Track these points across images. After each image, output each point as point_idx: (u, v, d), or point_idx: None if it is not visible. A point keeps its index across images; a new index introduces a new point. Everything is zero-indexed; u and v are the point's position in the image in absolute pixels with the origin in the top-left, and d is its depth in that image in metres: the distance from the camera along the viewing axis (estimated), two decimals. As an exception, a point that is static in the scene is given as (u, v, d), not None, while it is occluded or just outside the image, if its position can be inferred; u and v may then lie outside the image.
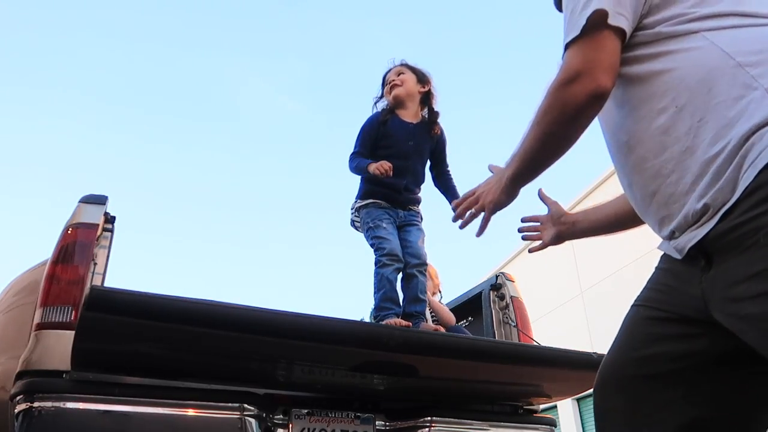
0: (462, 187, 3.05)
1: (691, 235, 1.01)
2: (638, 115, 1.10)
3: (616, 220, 1.53)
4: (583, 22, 1.08)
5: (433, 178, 3.07)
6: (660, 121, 1.05)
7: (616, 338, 1.19)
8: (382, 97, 3.08)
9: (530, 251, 1.78)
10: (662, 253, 1.16)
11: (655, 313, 1.13)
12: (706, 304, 1.00)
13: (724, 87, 0.98)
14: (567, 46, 1.13)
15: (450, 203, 2.96)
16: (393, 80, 3.01)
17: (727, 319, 0.96)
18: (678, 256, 1.06)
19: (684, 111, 1.02)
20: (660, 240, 1.16)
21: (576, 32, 1.10)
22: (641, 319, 1.15)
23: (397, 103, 2.99)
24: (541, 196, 1.71)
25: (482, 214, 1.43)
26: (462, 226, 1.52)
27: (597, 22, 1.08)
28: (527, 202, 1.76)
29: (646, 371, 1.09)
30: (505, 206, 1.38)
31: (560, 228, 1.64)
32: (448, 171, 3.09)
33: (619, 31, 1.09)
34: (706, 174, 0.97)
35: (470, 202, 1.45)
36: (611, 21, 1.07)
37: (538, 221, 1.71)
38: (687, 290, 1.05)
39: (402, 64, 3.09)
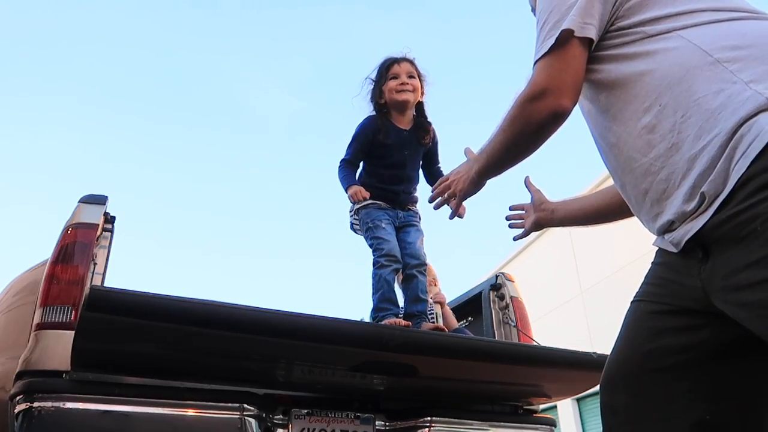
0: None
1: (687, 227, 1.02)
2: (623, 117, 1.13)
3: (596, 213, 1.59)
4: (552, 41, 1.16)
5: (426, 177, 3.04)
6: (645, 121, 1.08)
7: (619, 335, 1.20)
8: (381, 87, 2.87)
9: (514, 239, 1.87)
10: (657, 249, 1.17)
11: (655, 306, 1.14)
12: (707, 294, 1.02)
13: (704, 83, 1.01)
14: (536, 62, 1.19)
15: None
16: (406, 82, 2.83)
17: (729, 308, 0.98)
18: (674, 250, 1.08)
19: (667, 108, 1.04)
20: (654, 237, 1.17)
21: (545, 50, 1.17)
22: (642, 313, 1.17)
23: (400, 108, 2.87)
24: (527, 184, 1.79)
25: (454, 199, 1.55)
26: (436, 207, 1.67)
27: (566, 39, 1.15)
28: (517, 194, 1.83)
29: (651, 365, 1.10)
30: (473, 194, 1.51)
31: (539, 215, 1.72)
32: (440, 169, 3.04)
33: (587, 41, 1.16)
34: (693, 168, 0.99)
35: (443, 187, 1.59)
36: (578, 33, 1.14)
37: (523, 209, 1.80)
38: (686, 282, 1.07)
39: (413, 63, 2.90)
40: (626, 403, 1.13)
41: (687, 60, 1.04)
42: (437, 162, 3.06)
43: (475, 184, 1.47)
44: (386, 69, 2.90)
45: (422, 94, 2.92)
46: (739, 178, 0.93)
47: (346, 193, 2.73)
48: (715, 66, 1.00)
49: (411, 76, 2.87)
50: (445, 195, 1.58)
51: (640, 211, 1.16)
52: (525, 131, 1.23)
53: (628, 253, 11.74)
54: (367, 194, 2.69)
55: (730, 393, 1.06)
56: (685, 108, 1.01)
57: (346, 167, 2.80)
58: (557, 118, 1.18)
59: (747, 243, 0.92)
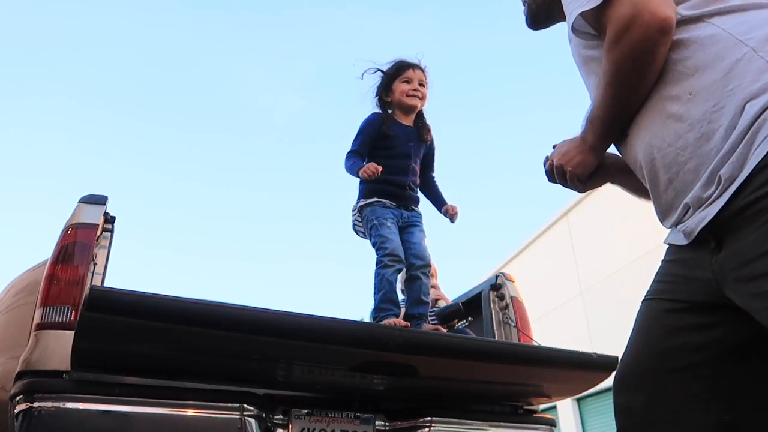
0: (451, 193, 3.07)
1: (702, 214, 1.00)
2: (647, 105, 1.09)
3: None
4: None
5: (421, 184, 3.07)
6: (672, 109, 1.04)
7: (631, 335, 1.18)
8: (392, 85, 2.97)
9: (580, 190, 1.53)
10: (666, 247, 1.15)
11: (668, 304, 1.12)
12: (720, 285, 0.99)
13: (739, 72, 0.97)
14: (603, 6, 1.06)
15: (438, 209, 3.04)
16: (417, 89, 2.96)
17: (741, 298, 0.96)
18: (686, 241, 1.05)
19: (698, 97, 1.01)
20: (665, 235, 1.14)
21: None
22: (656, 312, 1.14)
23: (406, 111, 2.98)
24: None
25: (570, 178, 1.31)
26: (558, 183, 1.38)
27: None
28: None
29: (668, 365, 1.08)
30: (593, 168, 1.28)
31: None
32: (434, 178, 3.13)
33: None
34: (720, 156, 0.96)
35: (553, 168, 1.32)
36: None
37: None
38: (697, 275, 1.05)
39: (425, 72, 3.03)
40: (641, 403, 1.11)
41: (723, 49, 1.00)
42: (432, 169, 3.12)
43: (595, 151, 1.25)
44: (401, 70, 2.99)
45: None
46: (758, 163, 0.90)
47: (357, 175, 2.72)
48: (751, 54, 0.97)
49: (422, 84, 2.99)
50: (567, 178, 1.30)
51: (659, 199, 1.12)
52: (637, 67, 1.05)
53: (628, 253, 11.74)
54: (378, 168, 2.66)
55: (747, 392, 1.04)
56: (718, 97, 0.98)
57: (353, 156, 2.84)
58: (664, 33, 1.02)
59: (762, 232, 0.90)
